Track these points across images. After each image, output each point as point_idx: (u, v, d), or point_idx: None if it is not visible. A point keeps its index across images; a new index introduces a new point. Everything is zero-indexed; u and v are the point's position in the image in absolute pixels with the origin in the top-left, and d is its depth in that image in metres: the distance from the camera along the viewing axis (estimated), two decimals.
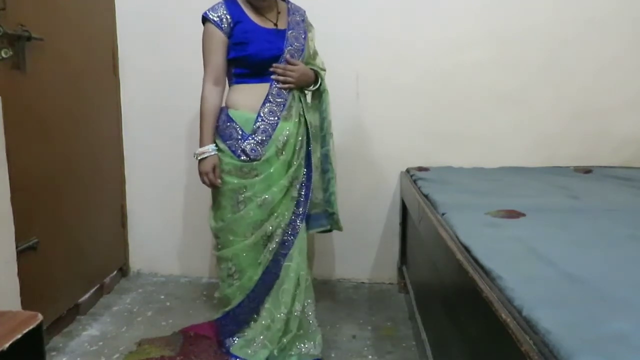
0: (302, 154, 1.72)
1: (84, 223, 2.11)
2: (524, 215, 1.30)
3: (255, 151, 1.61)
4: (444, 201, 1.48)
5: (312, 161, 1.76)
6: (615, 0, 2.24)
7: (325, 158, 1.84)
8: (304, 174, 1.73)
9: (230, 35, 1.62)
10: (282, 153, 1.65)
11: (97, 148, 2.23)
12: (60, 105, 1.91)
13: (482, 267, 0.94)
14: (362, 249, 2.49)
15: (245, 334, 1.68)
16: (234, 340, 1.70)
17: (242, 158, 1.62)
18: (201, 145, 1.65)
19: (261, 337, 1.64)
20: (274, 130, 1.63)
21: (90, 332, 1.94)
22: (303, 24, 1.75)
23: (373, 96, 2.36)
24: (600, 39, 2.27)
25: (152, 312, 2.13)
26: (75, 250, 2.04)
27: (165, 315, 2.10)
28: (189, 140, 2.42)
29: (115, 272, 2.43)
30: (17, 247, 1.43)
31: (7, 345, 0.91)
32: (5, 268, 1.36)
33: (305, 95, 1.80)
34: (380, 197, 2.44)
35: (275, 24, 1.68)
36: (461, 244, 1.09)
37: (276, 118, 1.64)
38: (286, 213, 1.66)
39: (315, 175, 1.79)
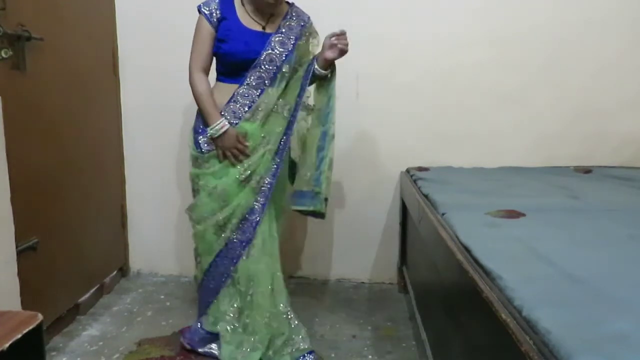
0: (270, 147, 1.68)
1: (84, 223, 2.11)
2: (524, 215, 1.30)
3: (207, 145, 1.66)
4: (444, 201, 1.48)
5: (284, 155, 1.72)
6: (615, 1, 2.24)
7: (324, 136, 1.76)
8: (274, 166, 1.70)
9: (216, 29, 1.65)
10: None
11: (97, 148, 2.23)
12: (60, 105, 1.91)
13: (482, 267, 0.94)
14: (362, 249, 2.49)
15: (226, 338, 1.67)
16: (200, 334, 1.74)
17: (198, 150, 1.68)
18: (211, 123, 1.62)
19: (252, 339, 1.65)
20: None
21: (90, 332, 1.94)
22: (300, 30, 1.71)
23: (373, 96, 2.36)
24: (600, 39, 2.27)
25: (152, 312, 2.13)
26: (75, 250, 2.04)
27: (165, 315, 2.10)
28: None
29: (115, 272, 2.43)
30: (17, 247, 1.43)
31: (7, 345, 0.91)
32: (5, 268, 1.36)
33: (291, 92, 1.72)
34: (380, 197, 2.44)
35: (264, 27, 1.67)
36: (461, 244, 1.09)
37: (237, 119, 1.65)
38: (242, 204, 1.66)
39: (310, 158, 1.74)
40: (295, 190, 1.78)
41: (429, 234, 1.41)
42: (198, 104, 1.68)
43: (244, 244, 1.67)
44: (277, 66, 1.66)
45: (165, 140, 2.47)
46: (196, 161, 1.69)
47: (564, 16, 2.26)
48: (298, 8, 1.77)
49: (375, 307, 2.22)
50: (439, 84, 2.33)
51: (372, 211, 2.45)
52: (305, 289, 2.40)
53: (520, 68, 2.30)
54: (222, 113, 1.65)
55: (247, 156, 1.66)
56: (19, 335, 0.94)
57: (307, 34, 1.75)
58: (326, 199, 1.75)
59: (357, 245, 2.48)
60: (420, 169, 2.22)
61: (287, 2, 1.75)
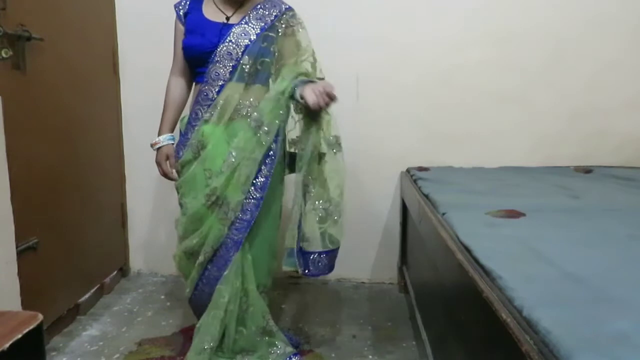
0: (244, 169, 1.48)
1: (84, 223, 2.11)
2: (524, 215, 1.30)
3: (179, 151, 1.61)
4: (444, 201, 1.48)
5: (265, 192, 1.52)
6: (615, 1, 2.24)
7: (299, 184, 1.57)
8: (252, 201, 1.51)
9: (184, 25, 1.60)
10: (198, 157, 1.54)
11: (97, 148, 2.23)
12: (60, 105, 1.91)
13: (482, 267, 0.94)
14: (362, 249, 2.49)
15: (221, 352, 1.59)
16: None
17: (176, 157, 1.62)
18: (158, 135, 1.65)
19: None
20: (194, 131, 1.57)
21: (90, 332, 1.94)
22: (273, 19, 1.55)
23: (373, 97, 2.36)
24: (600, 39, 2.27)
25: (152, 312, 2.13)
26: (75, 250, 2.04)
27: (165, 315, 2.10)
28: None
29: (115, 272, 2.43)
30: (17, 247, 1.43)
31: (7, 345, 0.91)
32: (5, 268, 1.36)
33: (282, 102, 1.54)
34: (380, 197, 2.44)
35: (228, 18, 1.55)
36: (461, 244, 1.09)
37: (198, 121, 1.55)
38: (214, 232, 1.50)
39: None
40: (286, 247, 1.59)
41: (429, 234, 1.41)
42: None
43: (218, 278, 1.53)
44: (236, 59, 1.50)
45: None
46: (176, 169, 1.63)
47: (564, 16, 2.26)
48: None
49: (375, 307, 2.22)
50: (439, 84, 2.33)
51: (372, 211, 2.45)
52: (305, 289, 2.40)
53: (520, 68, 2.30)
54: (189, 118, 1.58)
55: (172, 179, 1.63)
56: (19, 335, 0.95)
57: (284, 24, 1.58)
58: (336, 249, 1.58)
59: (357, 245, 2.48)
60: (421, 169, 2.22)
61: None
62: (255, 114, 1.52)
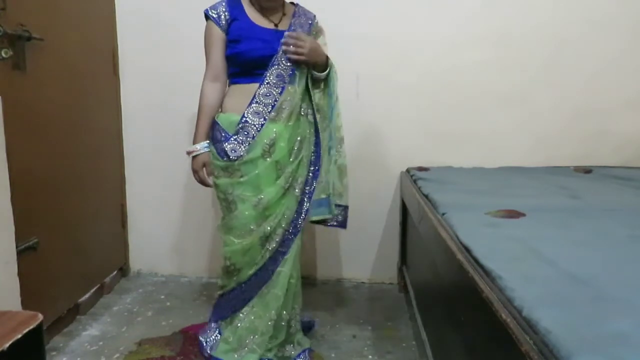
0: (304, 152, 1.68)
1: (84, 223, 2.11)
2: (524, 215, 1.30)
3: (235, 151, 1.58)
4: (444, 201, 1.48)
5: (321, 160, 1.73)
6: (615, 1, 2.24)
7: (330, 137, 1.77)
8: (310, 173, 1.71)
9: (227, 32, 1.62)
10: (269, 155, 1.60)
11: (97, 148, 2.23)
12: (60, 105, 1.91)
13: (482, 267, 0.94)
14: (362, 249, 2.49)
15: (229, 339, 1.64)
16: (214, 340, 1.70)
17: (225, 159, 1.59)
18: (194, 142, 1.67)
19: (247, 340, 1.62)
20: (258, 131, 1.59)
21: (90, 332, 1.94)
22: (309, 28, 1.71)
23: (373, 96, 2.36)
24: (600, 39, 2.27)
25: (152, 312, 2.13)
26: (75, 250, 2.04)
27: (165, 315, 2.10)
28: (189, 140, 2.41)
29: (115, 272, 2.43)
30: (17, 247, 1.43)
31: (7, 345, 0.91)
32: (5, 268, 1.36)
33: (310, 94, 1.72)
34: (380, 197, 2.44)
35: (276, 25, 1.65)
36: (461, 244, 1.09)
37: (262, 119, 1.59)
38: (287, 212, 1.63)
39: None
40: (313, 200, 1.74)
41: (429, 234, 1.41)
42: (197, 116, 1.67)
43: (284, 254, 1.65)
44: (294, 63, 1.63)
45: (165, 140, 2.46)
46: (226, 171, 1.60)
47: (564, 16, 2.26)
48: (303, 7, 1.77)
49: (375, 307, 2.22)
50: (439, 84, 2.33)
51: (372, 211, 2.46)
52: (306, 289, 2.39)
53: (520, 68, 2.30)
54: (244, 115, 1.58)
55: (208, 186, 1.68)
56: (19, 335, 0.95)
57: (315, 32, 1.75)
58: (346, 207, 1.81)
59: (357, 245, 2.49)
60: (421, 169, 2.22)
61: (292, 3, 1.75)
62: (309, 109, 1.72)
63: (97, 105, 2.23)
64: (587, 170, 2.14)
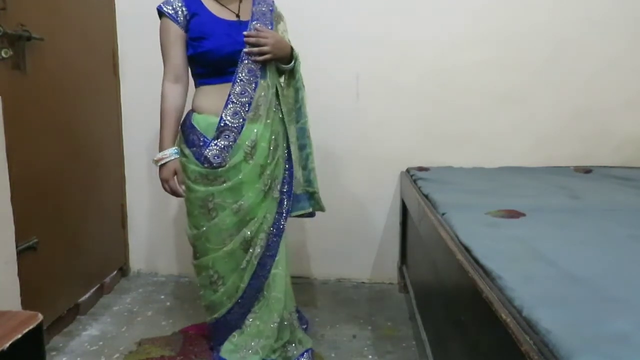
0: (280, 151, 1.63)
1: (84, 223, 2.11)
2: (524, 215, 1.30)
3: (218, 157, 1.50)
4: (444, 201, 1.48)
5: (293, 157, 1.68)
6: (615, 1, 2.24)
7: (302, 132, 1.70)
8: (285, 171, 1.66)
9: (187, 29, 1.51)
10: (251, 157, 1.54)
11: (97, 148, 2.23)
12: (60, 105, 1.91)
13: (482, 267, 0.94)
14: (362, 249, 2.49)
15: (234, 339, 1.62)
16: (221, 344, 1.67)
17: (206, 165, 1.50)
18: (160, 149, 1.53)
19: (252, 343, 1.59)
20: (239, 133, 1.51)
21: (90, 332, 1.94)
22: (271, 15, 1.61)
23: (373, 96, 2.36)
24: (600, 39, 2.27)
25: (152, 312, 2.13)
26: (75, 250, 2.04)
27: (165, 315, 2.10)
28: None
29: (115, 272, 2.43)
30: (17, 247, 1.43)
31: (7, 345, 0.91)
32: (5, 268, 1.36)
33: (279, 86, 1.65)
34: (380, 197, 2.44)
35: (238, 15, 1.55)
36: (461, 244, 1.09)
37: (241, 120, 1.51)
38: (268, 215, 1.59)
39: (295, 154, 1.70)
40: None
41: (429, 234, 1.41)
42: (160, 121, 1.54)
43: (273, 257, 1.61)
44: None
45: None
46: (205, 178, 1.51)
47: (564, 16, 2.26)
48: None
49: (375, 307, 2.22)
50: (439, 84, 2.33)
51: (372, 211, 2.46)
52: (305, 289, 2.40)
53: (520, 68, 2.30)
54: (222, 117, 1.50)
55: (179, 196, 1.56)
56: (19, 335, 0.95)
57: (276, 18, 1.65)
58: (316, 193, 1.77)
59: (357, 245, 2.48)
60: (421, 169, 2.22)
61: None
62: (279, 106, 1.65)
63: (97, 105, 2.23)
64: (587, 170, 2.14)
